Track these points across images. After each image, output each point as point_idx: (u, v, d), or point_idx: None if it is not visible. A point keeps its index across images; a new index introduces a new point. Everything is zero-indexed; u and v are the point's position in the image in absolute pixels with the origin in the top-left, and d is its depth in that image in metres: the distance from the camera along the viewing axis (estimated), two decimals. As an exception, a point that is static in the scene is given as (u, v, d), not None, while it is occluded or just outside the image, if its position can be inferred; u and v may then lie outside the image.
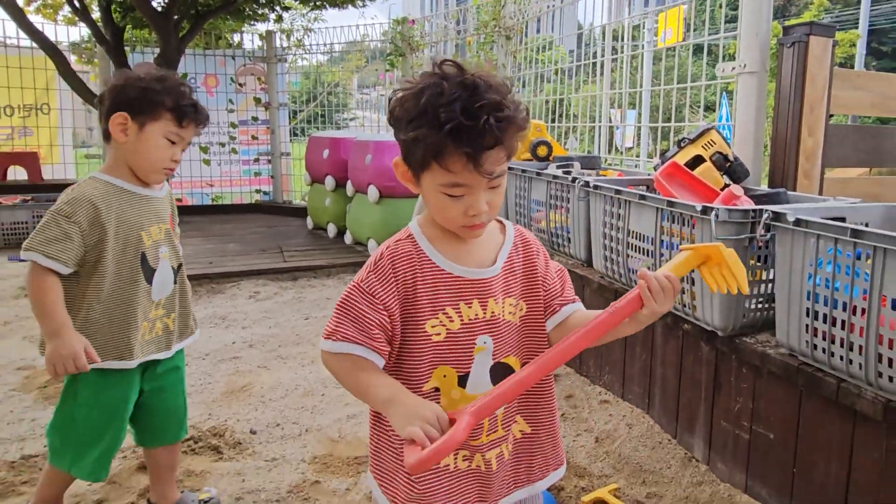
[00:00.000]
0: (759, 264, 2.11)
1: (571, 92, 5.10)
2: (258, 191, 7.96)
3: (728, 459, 2.10)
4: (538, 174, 3.32)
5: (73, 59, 6.71)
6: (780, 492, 1.92)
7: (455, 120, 0.95)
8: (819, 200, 2.32)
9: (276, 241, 5.98)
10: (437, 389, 1.09)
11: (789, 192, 2.47)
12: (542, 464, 1.21)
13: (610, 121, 5.73)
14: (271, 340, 3.51)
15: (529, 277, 1.18)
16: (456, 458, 1.11)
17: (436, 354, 1.08)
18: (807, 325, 1.84)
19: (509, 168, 3.60)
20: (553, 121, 4.96)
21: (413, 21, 6.68)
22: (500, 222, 1.21)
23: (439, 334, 1.08)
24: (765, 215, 1.97)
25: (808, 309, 1.84)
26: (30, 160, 6.80)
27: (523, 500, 1.21)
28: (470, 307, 1.09)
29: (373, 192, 5.03)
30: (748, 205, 2.25)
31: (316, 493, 2.07)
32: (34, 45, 6.17)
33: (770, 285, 2.12)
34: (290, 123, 8.07)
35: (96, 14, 6.50)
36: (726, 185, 2.58)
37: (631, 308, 1.06)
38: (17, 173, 6.77)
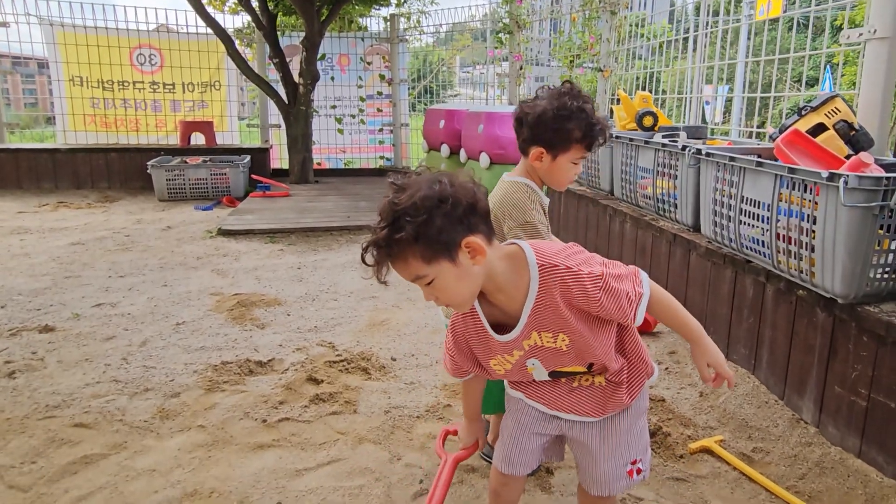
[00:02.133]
0: (887, 234, 1.79)
1: (663, 67, 4.62)
2: (382, 157, 7.99)
3: (841, 424, 1.84)
4: (646, 143, 3.03)
5: (236, 42, 6.91)
6: (900, 460, 1.66)
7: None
8: (959, 170, 1.93)
9: (398, 198, 5.99)
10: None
11: (924, 162, 2.08)
12: (599, 410, 1.22)
13: (701, 93, 5.16)
14: (401, 284, 3.50)
15: (565, 317, 1.07)
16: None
17: (505, 377, 1.23)
18: (943, 298, 1.54)
19: (616, 137, 3.34)
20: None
21: (521, 0, 6.30)
22: (529, 275, 1.06)
23: (500, 370, 1.18)
24: (901, 183, 1.66)
25: (946, 282, 1.53)
26: (207, 128, 7.14)
27: (585, 423, 1.24)
28: (511, 355, 1.15)
29: (484, 158, 4.80)
30: (879, 172, 1.91)
31: (449, 414, 2.06)
32: (208, 31, 6.40)
33: (899, 256, 1.80)
34: (408, 97, 8.00)
35: (255, 3, 6.64)
36: (849, 155, 2.20)
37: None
38: (196, 139, 7.16)
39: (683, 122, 4.52)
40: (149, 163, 6.11)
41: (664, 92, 4.73)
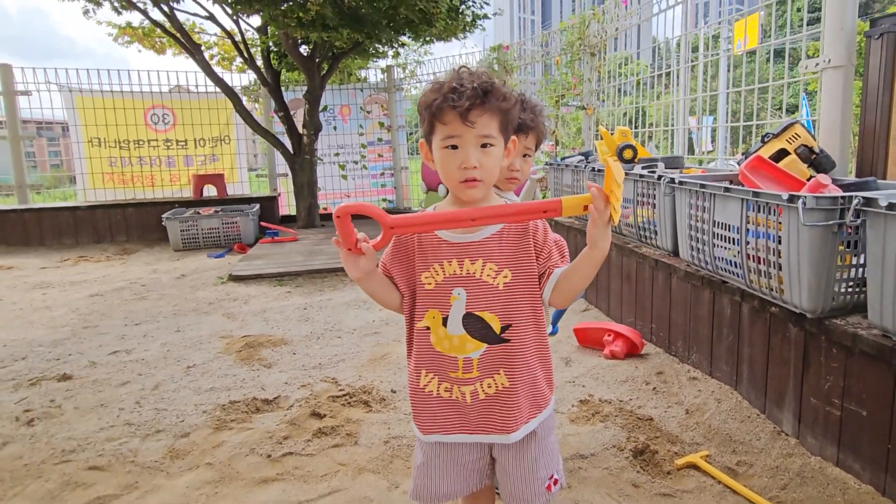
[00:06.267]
0: (848, 249, 1.86)
1: (650, 101, 4.79)
2: (384, 199, 8.19)
3: (819, 434, 1.88)
4: (626, 174, 3.14)
5: (244, 99, 7.20)
6: (875, 466, 1.69)
7: (450, 87, 1.08)
8: (913, 187, 2.01)
9: (400, 237, 6.11)
10: (428, 328, 1.19)
11: (879, 181, 2.16)
12: (516, 417, 1.18)
13: (686, 124, 5.31)
14: (402, 320, 3.56)
15: (522, 250, 1.17)
16: (439, 388, 1.20)
17: (428, 299, 1.18)
18: (902, 308, 1.60)
19: (598, 170, 3.46)
20: (634, 128, 4.68)
21: (507, 47, 6.56)
22: (505, 198, 1.27)
23: (430, 284, 1.18)
24: (855, 201, 1.74)
25: (903, 292, 1.59)
26: (218, 180, 7.38)
27: (520, 448, 1.22)
28: (450, 265, 1.16)
29: (441, 189, 5.34)
30: (836, 192, 1.99)
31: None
32: (217, 90, 6.69)
33: (860, 270, 1.86)
34: (407, 142, 8.25)
35: (260, 62, 6.94)
36: (811, 177, 2.29)
37: (551, 204, 1.05)
38: (209, 190, 7.39)
39: (672, 152, 4.65)
40: (164, 215, 6.30)
41: (651, 125, 4.88)
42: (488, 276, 1.14)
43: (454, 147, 1.10)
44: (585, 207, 1.04)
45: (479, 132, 1.09)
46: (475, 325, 1.15)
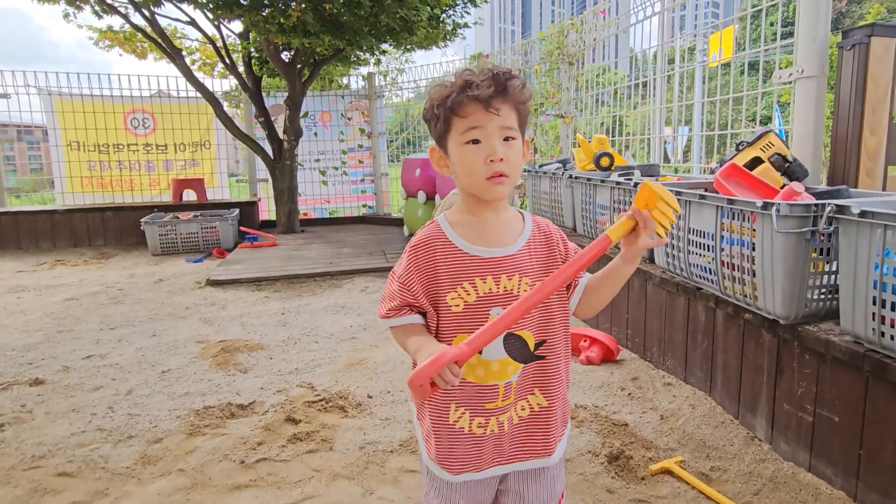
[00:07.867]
0: (820, 257, 1.85)
1: (627, 112, 4.81)
2: (364, 205, 8.11)
3: (791, 440, 1.85)
4: (602, 181, 3.12)
5: (224, 104, 7.07)
6: (846, 472, 1.66)
7: (465, 80, 1.00)
8: (883, 195, 2.00)
9: (379, 245, 6.05)
10: None
11: (851, 189, 2.16)
12: (555, 435, 1.10)
13: (661, 133, 5.34)
14: (380, 325, 3.49)
15: (550, 262, 1.07)
16: (472, 425, 1.06)
17: (455, 323, 1.03)
18: (874, 314, 1.59)
19: (575, 177, 3.44)
20: (611, 137, 4.68)
21: (487, 56, 6.55)
22: (521, 214, 1.12)
23: (458, 306, 1.03)
24: (828, 208, 1.72)
25: (874, 298, 1.58)
26: (198, 185, 7.23)
27: (540, 470, 1.11)
28: (484, 282, 1.03)
29: (421, 195, 5.57)
30: (809, 200, 1.98)
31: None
32: (198, 95, 6.56)
33: (832, 277, 1.85)
34: (387, 149, 8.19)
35: (241, 68, 6.84)
36: (785, 185, 2.29)
37: (601, 247, 0.97)
38: (188, 195, 7.23)
39: (648, 161, 4.66)
40: (142, 220, 6.15)
41: (628, 134, 4.89)
42: (525, 291, 1.02)
43: (476, 141, 1.00)
44: (633, 228, 0.98)
45: (502, 123, 1.00)
46: (515, 346, 1.04)
